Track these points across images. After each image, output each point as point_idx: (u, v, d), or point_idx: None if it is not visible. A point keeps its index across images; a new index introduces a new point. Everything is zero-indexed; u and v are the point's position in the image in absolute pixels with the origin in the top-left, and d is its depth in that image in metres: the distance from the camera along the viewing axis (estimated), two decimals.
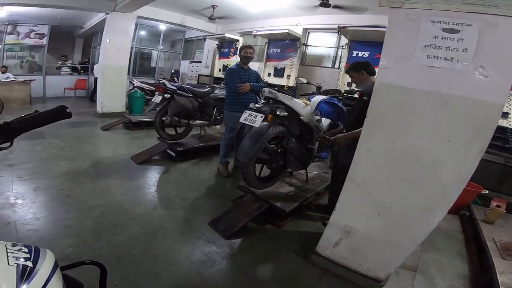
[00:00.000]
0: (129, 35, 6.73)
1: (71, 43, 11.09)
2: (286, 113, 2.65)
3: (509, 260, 2.20)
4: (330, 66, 6.35)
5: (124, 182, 3.37)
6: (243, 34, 7.80)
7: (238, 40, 7.55)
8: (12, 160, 3.54)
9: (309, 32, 6.64)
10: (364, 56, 5.19)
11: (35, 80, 8.27)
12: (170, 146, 4.24)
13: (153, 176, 3.71)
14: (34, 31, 8.82)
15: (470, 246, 2.79)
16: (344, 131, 2.89)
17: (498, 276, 1.99)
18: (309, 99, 3.42)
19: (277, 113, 2.60)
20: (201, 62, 9.29)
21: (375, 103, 1.80)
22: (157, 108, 4.26)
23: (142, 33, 10.05)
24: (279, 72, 6.52)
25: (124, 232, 2.40)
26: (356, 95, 3.64)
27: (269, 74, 6.72)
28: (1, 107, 6.15)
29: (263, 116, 2.56)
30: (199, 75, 8.86)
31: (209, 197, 3.27)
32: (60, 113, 1.00)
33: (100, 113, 6.75)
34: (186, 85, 4.78)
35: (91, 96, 8.75)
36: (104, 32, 6.51)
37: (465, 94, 1.52)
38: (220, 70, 8.01)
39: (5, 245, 0.63)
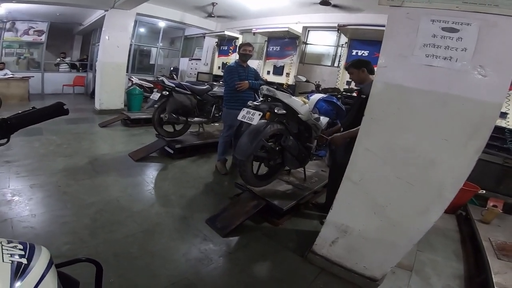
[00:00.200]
0: (128, 32, 6.70)
1: (70, 40, 11.02)
2: (284, 111, 2.64)
3: (505, 260, 2.20)
4: (330, 64, 6.34)
5: (122, 179, 3.36)
6: (242, 32, 7.77)
7: (237, 38, 7.52)
8: (9, 157, 3.52)
9: (309, 31, 6.62)
10: (363, 55, 5.19)
11: (33, 76, 8.24)
12: (168, 143, 4.23)
13: (150, 173, 3.71)
14: (33, 28, 8.77)
15: (466, 246, 2.79)
16: (341, 130, 2.89)
17: (493, 276, 1.99)
18: (307, 97, 3.40)
19: (275, 111, 2.59)
20: (200, 59, 9.26)
21: (373, 102, 1.80)
22: (155, 105, 4.24)
23: (142, 30, 9.99)
24: (278, 70, 6.50)
25: (121, 229, 2.39)
26: (354, 94, 3.64)
27: (268, 72, 6.70)
28: None
29: (261, 114, 2.55)
30: (198, 72, 8.83)
31: (206, 194, 3.27)
32: (57, 110, 1.00)
33: (98, 110, 6.72)
34: (185, 82, 4.76)
35: (92, 93, 8.72)
36: (103, 29, 6.47)
37: (464, 94, 1.51)
38: (219, 67, 7.99)
39: (0, 242, 0.63)
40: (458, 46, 1.51)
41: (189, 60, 9.81)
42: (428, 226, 1.77)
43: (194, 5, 7.04)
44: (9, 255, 0.60)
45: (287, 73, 6.30)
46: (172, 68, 9.92)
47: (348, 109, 2.86)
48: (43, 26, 8.85)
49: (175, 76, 8.99)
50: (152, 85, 7.33)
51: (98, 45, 7.00)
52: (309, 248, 2.29)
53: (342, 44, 5.78)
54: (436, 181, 1.67)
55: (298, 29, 6.23)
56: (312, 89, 3.69)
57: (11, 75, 7.57)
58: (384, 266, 2.01)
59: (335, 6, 5.35)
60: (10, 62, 8.59)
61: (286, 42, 6.34)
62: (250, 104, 2.67)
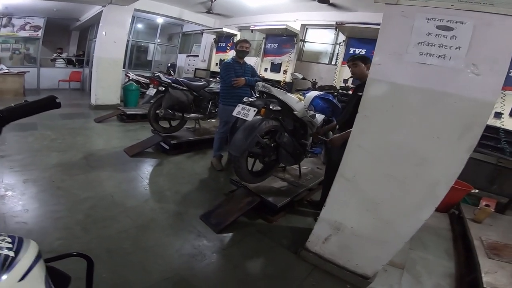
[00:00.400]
0: (126, 28, 6.65)
1: (67, 36, 10.94)
2: (279, 108, 2.63)
3: (495, 260, 2.21)
4: (327, 62, 6.34)
5: (116, 174, 3.35)
6: (241, 28, 7.75)
7: (235, 35, 7.51)
8: (3, 152, 3.49)
9: (307, 28, 6.61)
10: (361, 53, 5.19)
11: (28, 72, 8.19)
12: (164, 139, 4.22)
13: (146, 169, 3.69)
14: (29, 23, 8.69)
15: (458, 244, 2.81)
16: (337, 127, 2.89)
17: (482, 275, 1.99)
18: (303, 95, 3.41)
19: (270, 107, 2.59)
20: (198, 56, 9.23)
21: (366, 99, 1.80)
22: (151, 101, 4.23)
23: (139, 26, 9.94)
24: (275, 68, 6.49)
25: (114, 225, 2.38)
26: (350, 92, 3.64)
27: (265, 69, 6.69)
28: None
29: (256, 110, 2.55)
30: (195, 69, 8.79)
31: (201, 190, 3.26)
32: (49, 103, 1.00)
33: (94, 105, 6.67)
34: (182, 78, 4.74)
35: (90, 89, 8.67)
36: (100, 24, 6.42)
37: (456, 92, 1.52)
38: (217, 64, 7.97)
39: None
40: (452, 44, 1.51)
41: (187, 57, 9.79)
42: (419, 224, 1.77)
43: (193, 2, 7.00)
44: None
45: (284, 71, 6.30)
46: (169, 64, 9.89)
47: (344, 107, 2.86)
48: (40, 22, 8.77)
49: (172, 72, 8.96)
50: (149, 81, 7.29)
51: (95, 41, 6.95)
52: (302, 245, 2.29)
53: (340, 42, 5.78)
54: (428, 178, 1.68)
55: (296, 26, 6.22)
56: (309, 87, 3.70)
57: (7, 70, 7.52)
58: (376, 263, 2.02)
59: (332, 5, 5.33)
60: (5, 58, 8.54)
61: (284, 39, 6.32)
62: (246, 100, 2.66)
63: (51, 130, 4.63)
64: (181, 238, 2.34)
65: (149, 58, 10.59)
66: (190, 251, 2.20)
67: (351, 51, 5.34)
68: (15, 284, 0.58)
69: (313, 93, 3.34)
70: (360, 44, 5.28)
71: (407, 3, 1.62)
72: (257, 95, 2.83)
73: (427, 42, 1.57)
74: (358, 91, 2.40)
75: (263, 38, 6.79)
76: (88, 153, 3.90)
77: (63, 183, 2.96)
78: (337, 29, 5.36)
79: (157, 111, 4.14)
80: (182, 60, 10.11)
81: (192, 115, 4.53)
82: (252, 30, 6.67)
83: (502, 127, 3.75)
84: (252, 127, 2.52)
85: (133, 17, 7.72)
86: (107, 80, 6.68)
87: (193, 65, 9.18)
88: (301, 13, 6.32)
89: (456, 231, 3.05)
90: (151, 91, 4.21)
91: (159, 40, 10.37)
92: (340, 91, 3.63)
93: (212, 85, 4.66)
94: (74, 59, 10.35)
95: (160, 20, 9.26)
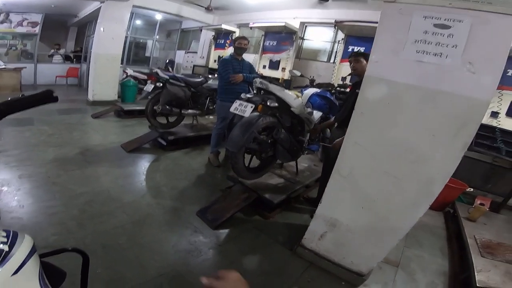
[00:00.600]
0: (124, 24, 6.60)
1: (65, 32, 10.87)
2: (277, 104, 2.63)
3: (488, 258, 2.22)
4: (326, 60, 6.33)
5: (113, 170, 3.34)
6: (240, 25, 7.71)
7: (234, 32, 7.48)
8: None
9: (306, 26, 6.59)
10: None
11: (25, 67, 8.15)
12: (161, 134, 4.22)
13: (143, 164, 3.69)
14: (27, 19, 8.63)
15: (452, 243, 2.83)
16: (335, 125, 2.90)
17: (476, 273, 2.00)
18: (301, 92, 3.41)
19: (268, 103, 2.58)
20: (196, 52, 9.18)
21: (363, 96, 1.81)
22: (149, 97, 4.22)
23: (138, 22, 9.88)
24: (274, 65, 6.47)
25: (110, 220, 2.38)
26: (347, 89, 3.64)
27: (264, 67, 6.67)
28: None
29: (253, 106, 2.55)
30: (194, 65, 8.74)
31: (198, 186, 3.26)
32: (46, 97, 0.99)
33: (91, 101, 6.64)
34: (180, 75, 4.73)
35: None
36: (98, 20, 6.38)
37: (452, 90, 1.52)
38: (215, 61, 7.94)
39: None
40: (449, 42, 1.52)
41: (185, 53, 9.74)
42: (414, 221, 1.79)
43: None
44: None
45: (283, 68, 6.28)
46: (167, 61, 9.82)
47: (342, 104, 2.85)
48: (37, 18, 8.70)
49: (170, 69, 8.90)
50: (147, 77, 7.27)
51: (93, 37, 6.90)
52: (298, 241, 2.30)
53: (339, 40, 5.76)
54: (423, 176, 1.69)
55: (295, 24, 6.19)
56: (307, 84, 3.69)
57: (4, 66, 7.50)
58: (371, 261, 2.04)
59: None
60: (1, 54, 8.50)
61: (283, 37, 6.30)
62: (243, 97, 2.66)
63: (48, 125, 4.61)
64: (178, 234, 2.35)
65: (147, 54, 10.54)
66: (186, 247, 2.21)
67: (350, 49, 5.33)
68: (8, 278, 0.59)
69: (310, 90, 3.34)
70: (359, 42, 5.27)
71: (405, 1, 1.62)
72: (255, 91, 2.82)
73: (424, 40, 1.57)
74: (357, 89, 2.40)
75: (262, 35, 6.76)
76: (85, 148, 3.89)
77: (59, 178, 2.95)
78: (336, 27, 5.34)
79: (155, 107, 4.12)
80: (180, 56, 10.06)
81: (190, 111, 4.52)
82: (251, 27, 6.63)
83: (499, 126, 3.77)
84: (249, 123, 2.52)
85: (132, 13, 7.65)
86: (105, 76, 6.65)
87: (192, 62, 9.14)
88: (301, 11, 6.29)
89: (450, 230, 3.07)
90: (149, 87, 4.20)
91: (157, 37, 10.31)
92: (337, 88, 3.62)
93: (210, 82, 4.65)
94: (71, 55, 10.28)
95: (158, 17, 9.20)
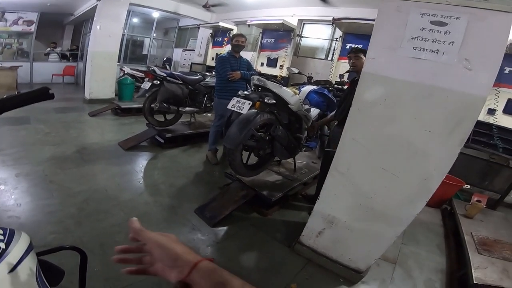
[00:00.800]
0: (121, 22, 6.57)
1: (61, 30, 10.80)
2: (274, 101, 2.63)
3: (485, 255, 2.22)
4: (324, 58, 6.33)
5: (110, 168, 3.33)
6: (237, 23, 7.68)
7: (232, 29, 7.44)
8: None
9: (304, 23, 6.58)
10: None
11: (21, 66, 8.11)
12: (159, 132, 4.20)
13: (140, 162, 3.68)
14: (22, 18, 8.56)
15: (449, 240, 2.84)
16: (336, 123, 2.89)
17: (473, 270, 2.00)
18: (299, 89, 3.41)
19: (265, 100, 2.58)
20: (194, 50, 9.15)
21: (360, 93, 1.81)
22: (146, 95, 4.20)
23: (135, 20, 9.84)
24: (272, 62, 6.47)
25: (108, 218, 2.37)
26: (345, 86, 3.64)
27: (262, 64, 6.67)
28: None
29: (251, 103, 2.54)
30: (192, 63, 8.73)
31: (196, 184, 3.26)
32: (42, 94, 0.98)
33: (88, 99, 6.61)
34: (178, 72, 4.71)
35: None
36: (94, 19, 6.33)
37: (449, 86, 1.53)
38: (213, 58, 7.90)
39: None
40: (446, 39, 1.52)
41: (183, 51, 9.71)
42: (411, 217, 1.79)
43: None
44: None
45: (281, 65, 6.28)
46: (165, 59, 9.81)
47: (340, 101, 2.85)
48: (33, 16, 8.63)
49: (168, 67, 8.89)
50: (144, 75, 7.23)
51: (90, 35, 6.86)
52: (296, 239, 2.31)
53: (337, 38, 5.76)
54: (419, 172, 1.69)
55: (293, 21, 6.18)
56: (304, 81, 3.69)
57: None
58: (369, 258, 2.04)
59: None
60: None
61: (281, 34, 6.30)
62: (241, 94, 2.66)
63: (45, 124, 4.58)
64: (176, 232, 2.34)
65: (144, 52, 10.50)
66: (184, 244, 2.20)
67: (348, 47, 5.34)
68: (5, 275, 0.58)
69: (308, 88, 3.35)
70: (356, 39, 5.28)
71: None
72: (252, 88, 2.82)
73: (421, 37, 1.58)
74: (356, 86, 2.40)
75: (260, 32, 6.75)
76: (82, 146, 3.87)
77: (56, 177, 2.94)
78: (334, 25, 5.35)
79: (152, 105, 4.11)
80: (178, 54, 10.03)
81: (188, 108, 4.52)
82: (248, 25, 6.62)
83: (495, 123, 3.79)
84: (247, 120, 2.52)
85: (129, 11, 7.62)
86: (102, 74, 6.61)
87: (189, 60, 9.11)
88: (298, 8, 6.28)
89: (448, 227, 3.08)
90: (146, 85, 4.18)
91: (155, 35, 10.28)
92: (335, 85, 3.63)
93: (207, 79, 4.64)
94: (68, 53, 10.22)
95: (156, 14, 9.16)
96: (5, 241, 0.64)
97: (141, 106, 4.38)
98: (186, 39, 10.26)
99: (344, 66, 5.25)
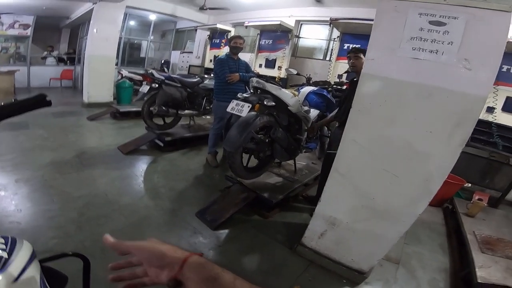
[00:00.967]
0: (118, 25, 6.55)
1: (58, 34, 10.76)
2: (274, 103, 2.62)
3: (489, 254, 2.21)
4: (322, 58, 6.33)
5: (110, 172, 3.31)
6: (235, 25, 7.69)
7: (229, 31, 7.45)
8: None
9: (301, 24, 6.59)
10: None
11: (19, 70, 8.06)
12: (158, 136, 4.19)
13: (140, 166, 3.67)
14: (18, 21, 8.54)
15: (452, 239, 2.83)
16: (336, 125, 2.89)
17: (476, 269, 2.00)
18: (298, 90, 3.40)
19: (265, 103, 2.58)
20: (192, 52, 9.14)
21: (360, 94, 1.81)
22: (145, 98, 4.18)
23: (132, 23, 9.83)
24: (270, 64, 6.47)
25: (108, 223, 2.37)
26: (344, 87, 3.64)
27: (260, 65, 6.68)
28: None
29: (250, 105, 2.54)
30: (190, 65, 8.73)
31: (197, 187, 3.25)
32: (39, 101, 0.97)
33: (86, 103, 6.58)
34: (176, 75, 4.71)
35: None
36: (91, 22, 6.32)
37: (449, 86, 1.53)
38: (211, 61, 7.92)
39: None
40: (445, 39, 1.52)
41: (181, 53, 9.71)
42: (414, 218, 1.79)
43: None
44: None
45: (279, 67, 6.28)
46: (163, 61, 9.79)
47: (340, 102, 2.84)
48: (29, 20, 8.61)
49: (166, 69, 8.86)
50: (142, 78, 7.21)
51: (87, 39, 6.85)
52: (298, 240, 2.30)
53: (334, 38, 5.78)
54: (421, 173, 1.69)
55: (290, 22, 6.20)
56: (303, 82, 3.69)
57: None
58: (371, 258, 2.04)
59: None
60: None
61: (279, 35, 6.31)
62: (240, 96, 2.65)
63: (43, 129, 4.56)
64: (177, 235, 2.34)
65: (142, 55, 10.49)
66: (185, 248, 2.16)
67: (345, 47, 5.35)
68: (10, 285, 0.58)
69: (307, 89, 3.34)
70: (354, 39, 5.29)
71: None
72: (251, 90, 2.82)
73: (420, 37, 1.58)
74: (355, 87, 2.40)
75: (258, 34, 6.75)
76: (81, 151, 3.85)
77: (55, 181, 2.93)
78: (332, 25, 5.36)
79: (151, 108, 4.09)
80: (176, 57, 10.03)
81: (187, 111, 4.51)
82: (246, 26, 6.62)
83: (495, 121, 3.80)
84: (246, 123, 2.51)
85: (125, 14, 7.61)
86: (100, 78, 6.60)
87: (187, 62, 9.11)
88: (296, 9, 6.29)
89: (450, 226, 3.08)
90: (144, 88, 4.16)
91: (152, 37, 10.27)
92: (334, 86, 3.63)
93: (206, 82, 4.63)
94: (65, 57, 10.19)
95: (153, 17, 9.16)
96: (7, 250, 0.63)
97: (139, 109, 4.37)
98: (184, 41, 10.25)
99: (342, 66, 5.25)
